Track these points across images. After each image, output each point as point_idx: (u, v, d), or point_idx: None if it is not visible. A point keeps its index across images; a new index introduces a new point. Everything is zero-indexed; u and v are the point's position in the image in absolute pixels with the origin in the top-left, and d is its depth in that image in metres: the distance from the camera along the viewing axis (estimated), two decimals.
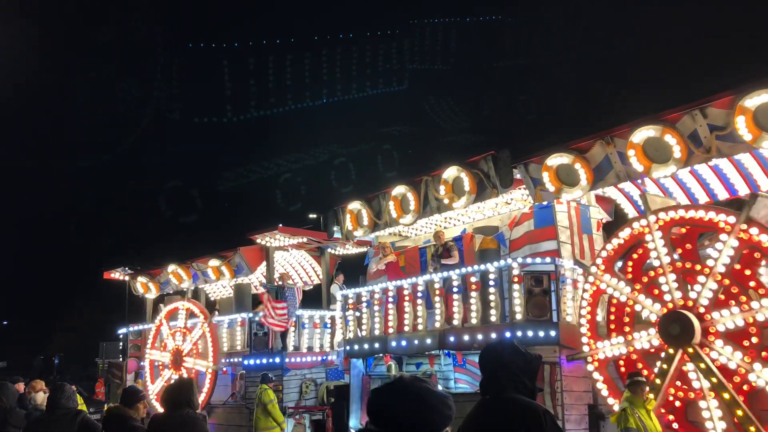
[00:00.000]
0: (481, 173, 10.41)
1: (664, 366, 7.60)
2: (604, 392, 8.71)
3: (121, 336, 18.86)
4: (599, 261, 9.01)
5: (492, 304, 9.77)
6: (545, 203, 10.63)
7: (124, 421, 5.28)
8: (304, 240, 15.95)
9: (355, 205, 12.83)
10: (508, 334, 9.35)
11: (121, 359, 18.97)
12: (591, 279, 8.94)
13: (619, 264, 9.00)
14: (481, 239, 11.28)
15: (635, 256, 8.88)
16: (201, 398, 14.91)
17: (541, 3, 37.69)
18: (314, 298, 17.63)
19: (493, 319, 9.73)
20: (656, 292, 8.37)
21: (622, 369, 8.63)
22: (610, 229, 10.78)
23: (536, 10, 37.90)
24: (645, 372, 8.16)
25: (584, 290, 9.05)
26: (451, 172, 10.79)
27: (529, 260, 9.64)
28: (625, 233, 8.86)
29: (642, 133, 8.48)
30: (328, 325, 15.58)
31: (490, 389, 3.12)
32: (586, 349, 8.86)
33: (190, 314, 15.82)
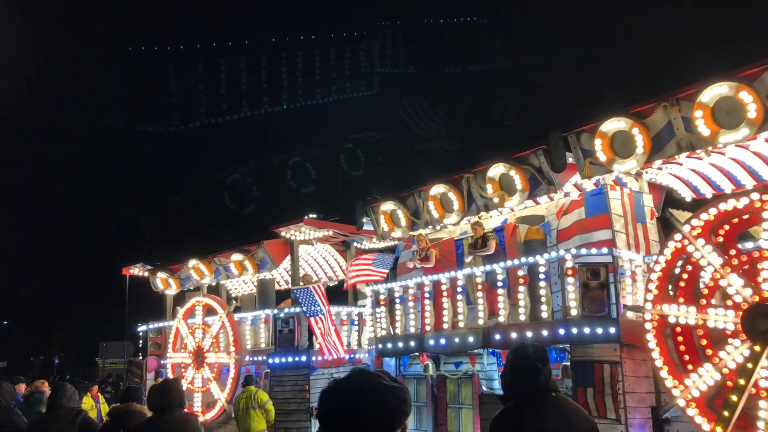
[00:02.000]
0: (532, 169, 9.66)
1: (749, 365, 6.77)
2: (664, 373, 7.67)
3: (140, 334, 18.28)
4: (650, 295, 7.96)
5: (543, 299, 9.01)
6: (597, 189, 9.87)
7: (142, 417, 5.17)
8: (330, 233, 15.26)
9: (388, 206, 12.11)
10: (562, 332, 8.59)
11: (140, 357, 18.41)
12: (679, 237, 7.75)
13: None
14: (526, 230, 10.50)
15: (685, 275, 7.82)
16: (226, 392, 14.39)
17: None
18: (339, 294, 16.94)
19: (544, 315, 8.97)
20: (753, 275, 7.18)
21: (681, 347, 7.61)
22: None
23: None
24: (709, 352, 7.38)
25: (665, 246, 7.97)
26: (497, 170, 10.03)
27: (584, 251, 8.86)
28: (666, 254, 7.90)
29: (713, 92, 7.57)
30: (356, 322, 14.94)
31: (535, 390, 3.02)
32: (676, 393, 7.61)
33: (208, 310, 15.23)
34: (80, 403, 6.10)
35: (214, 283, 16.55)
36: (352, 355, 14.50)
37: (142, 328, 18.06)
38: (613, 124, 8.56)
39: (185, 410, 4.90)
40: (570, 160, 9.13)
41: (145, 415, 5.21)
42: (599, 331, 8.29)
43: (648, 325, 7.93)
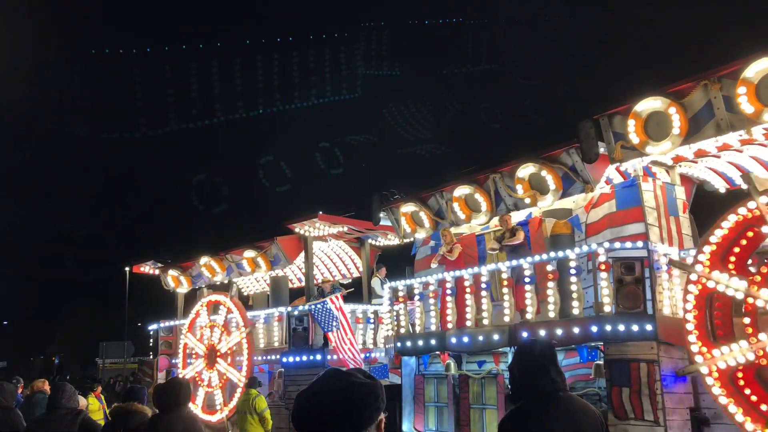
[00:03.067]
0: (565, 167, 9.24)
1: None
2: (732, 407, 7.12)
3: (151, 333, 17.97)
4: (703, 257, 7.60)
5: (574, 296, 8.58)
6: (629, 181, 9.44)
7: (143, 417, 5.17)
8: (345, 229, 14.87)
9: (409, 207, 11.67)
10: (594, 329, 8.16)
11: (151, 356, 18.09)
12: (753, 205, 7.26)
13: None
14: (553, 224, 10.06)
15: (743, 242, 7.51)
16: (229, 408, 14.12)
17: None
18: (354, 291, 16.55)
19: (575, 312, 8.54)
20: None
21: (741, 382, 7.12)
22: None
23: None
24: (749, 331, 6.94)
25: (688, 291, 7.67)
26: (528, 170, 9.59)
27: (617, 245, 8.42)
28: (730, 221, 7.48)
29: (759, 66, 7.09)
30: (371, 320, 14.57)
31: (542, 390, 2.98)
32: (699, 359, 7.37)
33: (230, 314, 14.92)
34: (79, 403, 5.96)
35: (226, 281, 16.18)
36: (367, 354, 14.13)
37: (152, 326, 17.74)
38: (648, 104, 8.08)
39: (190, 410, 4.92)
40: (602, 150, 8.69)
41: (146, 416, 5.24)
42: (635, 328, 7.85)
43: (692, 287, 7.53)
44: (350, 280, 17.43)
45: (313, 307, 12.95)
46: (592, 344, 8.54)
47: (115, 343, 42.90)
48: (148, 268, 18.29)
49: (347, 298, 15.20)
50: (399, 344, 11.05)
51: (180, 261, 17.37)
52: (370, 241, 16.05)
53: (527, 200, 9.70)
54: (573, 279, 8.63)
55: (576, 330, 8.35)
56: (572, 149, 9.03)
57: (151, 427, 4.85)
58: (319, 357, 13.14)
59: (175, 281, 17.37)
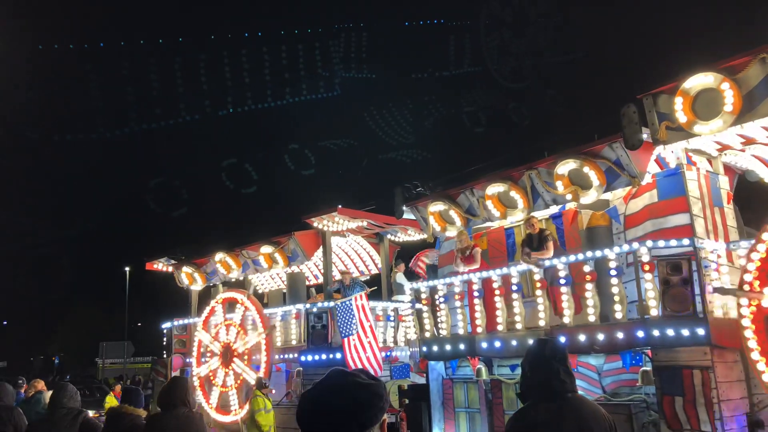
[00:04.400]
0: (608, 162, 8.64)
1: None
2: (761, 365, 6.82)
3: (164, 331, 17.56)
4: (750, 276, 7.06)
5: (616, 298, 8.00)
6: (672, 170, 8.83)
7: (132, 420, 5.24)
8: (364, 224, 14.33)
9: (437, 206, 11.06)
10: (641, 334, 7.59)
11: (165, 355, 17.68)
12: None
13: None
14: (590, 215, 9.46)
15: None
16: (245, 411, 13.66)
17: None
18: (373, 287, 16.03)
19: (618, 315, 7.96)
20: None
21: None
22: None
23: None
24: None
25: (742, 315, 7.10)
26: (568, 166, 8.98)
27: (661, 243, 7.82)
28: None
29: None
30: (391, 318, 14.06)
31: (550, 391, 2.97)
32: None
33: (248, 312, 14.45)
34: (80, 403, 5.95)
35: (241, 278, 15.71)
36: (388, 353, 13.64)
37: (166, 325, 17.32)
38: (698, 80, 7.45)
39: (189, 409, 4.92)
40: (645, 137, 8.08)
41: (137, 418, 5.31)
42: (685, 332, 7.27)
43: (745, 311, 6.94)
44: (368, 277, 16.92)
45: (337, 305, 12.44)
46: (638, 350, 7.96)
47: (115, 343, 42.94)
48: (161, 265, 17.85)
49: (369, 295, 14.73)
50: (424, 348, 10.51)
51: (194, 257, 16.92)
52: (389, 236, 15.54)
53: (568, 196, 9.10)
54: (614, 281, 8.04)
55: (620, 335, 7.78)
56: (616, 143, 8.41)
57: (147, 426, 4.98)
58: (339, 356, 12.64)
59: (189, 278, 16.92)
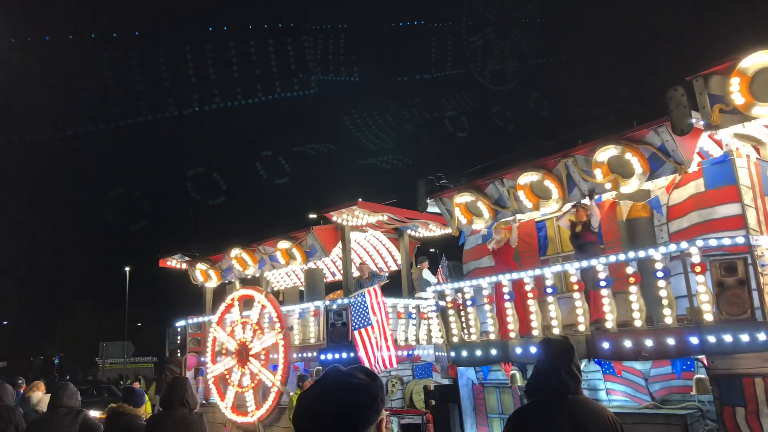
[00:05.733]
0: (653, 148, 8.03)
1: None
2: None
3: (179, 329, 17.15)
4: None
5: (664, 302, 7.40)
6: (720, 157, 8.22)
7: (130, 420, 5.26)
8: (385, 218, 13.81)
9: (464, 197, 10.51)
10: (695, 340, 6.99)
11: (179, 354, 17.28)
12: None
13: None
14: (629, 206, 8.85)
15: None
16: (261, 411, 13.24)
17: None
18: (394, 285, 15.53)
19: (667, 320, 7.37)
20: None
21: None
22: None
23: None
24: None
25: None
26: (608, 153, 8.40)
27: (713, 242, 7.21)
28: None
29: None
30: (413, 315, 13.56)
31: (551, 391, 2.97)
32: None
33: (265, 310, 13.99)
34: (80, 402, 5.95)
35: (257, 274, 15.24)
36: (410, 352, 13.15)
37: (180, 323, 16.90)
38: (758, 58, 6.86)
39: (189, 409, 4.90)
40: (693, 121, 7.48)
41: (135, 418, 5.34)
42: (744, 337, 6.67)
43: None
44: (387, 273, 16.41)
45: (352, 300, 11.97)
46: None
47: (115, 343, 43.01)
48: (174, 262, 17.43)
49: (387, 292, 14.23)
50: (453, 354, 9.95)
51: (209, 254, 16.47)
52: (409, 231, 15.02)
53: (608, 185, 8.51)
54: (661, 283, 7.44)
55: (670, 341, 7.19)
56: (661, 127, 7.82)
57: (146, 426, 5.05)
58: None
59: (204, 275, 16.48)
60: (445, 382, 13.55)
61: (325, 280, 16.30)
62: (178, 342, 17.12)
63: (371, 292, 11.95)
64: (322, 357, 12.63)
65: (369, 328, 11.70)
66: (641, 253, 7.71)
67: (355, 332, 11.72)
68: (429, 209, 11.59)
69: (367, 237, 15.61)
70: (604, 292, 7.97)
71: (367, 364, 11.60)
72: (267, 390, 13.57)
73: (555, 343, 3.13)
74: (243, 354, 14.15)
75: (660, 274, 7.43)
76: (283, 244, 13.87)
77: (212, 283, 16.52)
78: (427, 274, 14.12)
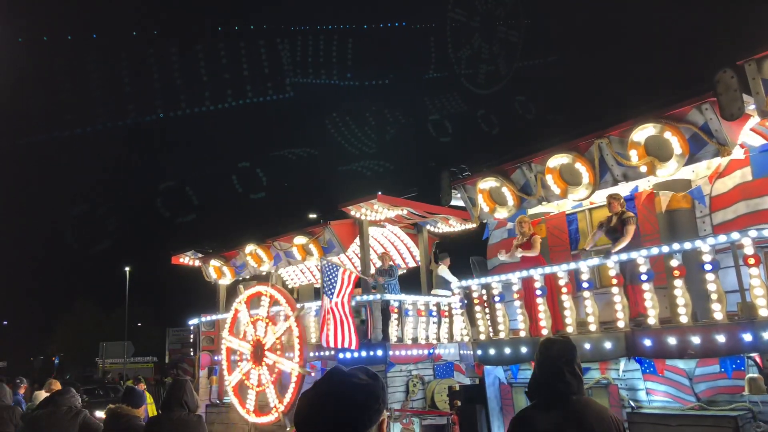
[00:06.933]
0: (694, 127, 7.57)
1: None
2: None
3: (191, 327, 16.80)
4: None
5: (713, 296, 6.94)
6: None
7: (129, 420, 5.26)
8: (404, 212, 13.40)
9: (488, 183, 10.07)
10: (748, 337, 6.53)
11: (192, 353, 16.93)
12: None
13: None
14: (669, 197, 8.39)
15: None
16: (285, 402, 12.82)
17: None
18: (412, 281, 15.12)
19: (717, 315, 6.92)
20: None
21: None
22: None
23: None
24: None
25: None
26: (646, 132, 7.92)
27: (766, 232, 6.76)
28: None
29: None
30: (434, 313, 13.14)
31: (554, 393, 2.93)
32: None
33: (274, 303, 13.57)
34: (80, 403, 6.01)
35: (272, 271, 14.85)
36: (431, 351, 12.73)
37: (193, 321, 16.53)
38: None
39: (188, 411, 4.86)
40: (745, 106, 7.03)
41: (134, 418, 5.32)
42: None
43: None
44: (405, 270, 16.01)
45: (325, 263, 11.85)
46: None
47: (115, 343, 42.94)
48: (187, 259, 17.06)
49: (405, 289, 13.84)
50: (479, 352, 9.52)
51: (222, 250, 16.11)
52: (428, 227, 14.61)
53: (642, 168, 8.04)
54: (709, 276, 6.98)
55: (720, 338, 6.73)
56: (705, 104, 7.35)
57: (145, 427, 5.03)
58: (380, 353, 11.79)
59: (217, 272, 16.11)
60: (467, 381, 13.15)
61: None
62: (191, 340, 16.79)
63: (346, 272, 11.75)
64: (340, 356, 12.24)
65: (334, 305, 11.58)
66: (687, 245, 7.26)
67: (324, 297, 11.76)
68: (453, 202, 11.17)
69: (385, 233, 15.21)
70: (645, 286, 7.53)
71: (331, 334, 11.65)
72: (287, 379, 13.13)
73: (557, 344, 3.08)
74: (258, 352, 13.76)
75: (708, 267, 6.97)
76: (300, 240, 13.48)
77: (226, 280, 16.15)
78: (443, 271, 13.68)
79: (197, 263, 16.83)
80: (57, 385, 9.16)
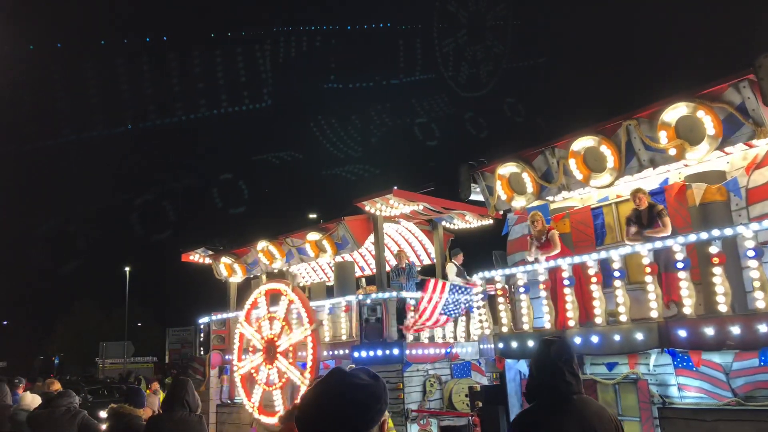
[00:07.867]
0: (730, 107, 7.22)
1: None
2: None
3: (201, 326, 16.55)
4: None
5: (755, 284, 6.62)
6: None
7: (130, 420, 5.25)
8: (420, 208, 13.11)
9: (508, 168, 9.72)
10: None
11: (202, 352, 16.68)
12: None
13: None
14: (703, 190, 8.07)
15: None
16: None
17: None
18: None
19: (759, 305, 6.60)
20: None
21: None
22: None
23: None
24: None
25: None
26: (678, 111, 7.57)
27: None
28: None
29: None
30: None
31: (554, 393, 2.91)
32: None
33: (292, 304, 13.36)
34: (78, 403, 6.14)
35: (285, 268, 14.59)
36: (448, 350, 12.44)
37: (203, 320, 16.30)
38: None
39: (189, 411, 4.82)
40: None
41: (136, 418, 5.32)
42: None
43: None
44: (419, 267, 15.73)
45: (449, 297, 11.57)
46: None
47: (115, 343, 42.82)
48: (197, 257, 16.82)
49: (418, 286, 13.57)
50: (501, 345, 9.23)
51: (233, 247, 15.86)
52: (443, 223, 14.33)
53: (672, 151, 7.71)
54: (752, 263, 6.67)
55: (762, 328, 6.41)
56: (743, 82, 7.02)
57: (146, 426, 5.01)
58: (396, 351, 11.51)
59: (228, 270, 15.86)
60: (485, 381, 12.86)
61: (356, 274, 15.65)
62: (201, 339, 16.54)
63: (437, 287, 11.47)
64: (356, 354, 11.96)
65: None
66: (728, 231, 6.95)
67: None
68: (471, 197, 10.89)
69: (399, 229, 14.92)
70: (681, 274, 7.22)
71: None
72: (296, 389, 12.94)
73: (555, 343, 3.05)
74: (270, 351, 13.52)
75: (751, 254, 6.67)
76: (313, 236, 13.21)
77: (237, 277, 15.90)
78: (450, 269, 13.39)
79: (207, 260, 16.59)
80: (57, 385, 9.01)
